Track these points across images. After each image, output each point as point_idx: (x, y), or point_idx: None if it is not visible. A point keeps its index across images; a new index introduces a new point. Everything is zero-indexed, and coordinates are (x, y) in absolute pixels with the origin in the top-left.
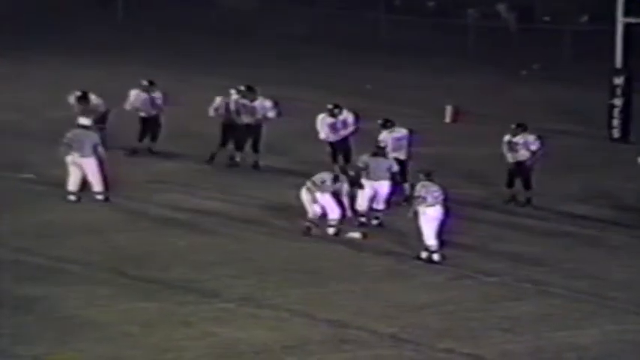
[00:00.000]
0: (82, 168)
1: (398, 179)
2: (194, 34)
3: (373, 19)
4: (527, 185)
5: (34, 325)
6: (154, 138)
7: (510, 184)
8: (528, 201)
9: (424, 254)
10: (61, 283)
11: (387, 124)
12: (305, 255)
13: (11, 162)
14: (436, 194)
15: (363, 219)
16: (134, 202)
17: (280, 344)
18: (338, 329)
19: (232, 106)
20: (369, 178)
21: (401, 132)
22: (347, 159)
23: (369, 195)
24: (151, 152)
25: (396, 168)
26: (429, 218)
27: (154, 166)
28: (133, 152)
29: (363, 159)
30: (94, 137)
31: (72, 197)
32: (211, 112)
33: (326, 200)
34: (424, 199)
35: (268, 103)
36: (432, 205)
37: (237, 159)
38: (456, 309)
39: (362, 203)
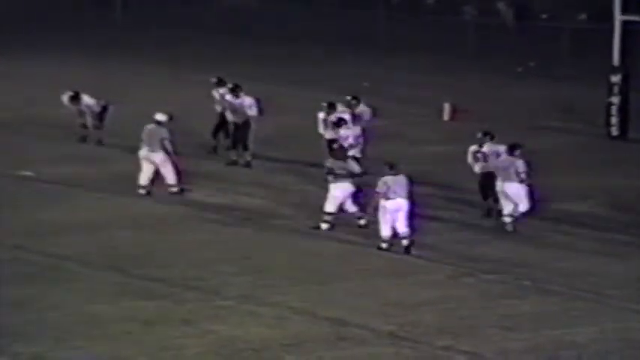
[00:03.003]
0: (154, 162)
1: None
2: (193, 32)
3: (371, 16)
4: (495, 198)
5: (34, 323)
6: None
7: (485, 197)
8: (499, 213)
9: (384, 245)
10: (61, 281)
11: (341, 123)
12: (304, 253)
13: (10, 160)
14: (398, 189)
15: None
16: (132, 199)
17: (279, 342)
18: (337, 327)
19: (218, 107)
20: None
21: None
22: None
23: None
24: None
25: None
26: (389, 211)
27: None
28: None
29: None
30: (162, 132)
31: (141, 191)
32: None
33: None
34: (384, 194)
35: (248, 101)
36: (393, 198)
37: (234, 157)
38: (455, 307)
39: (331, 207)
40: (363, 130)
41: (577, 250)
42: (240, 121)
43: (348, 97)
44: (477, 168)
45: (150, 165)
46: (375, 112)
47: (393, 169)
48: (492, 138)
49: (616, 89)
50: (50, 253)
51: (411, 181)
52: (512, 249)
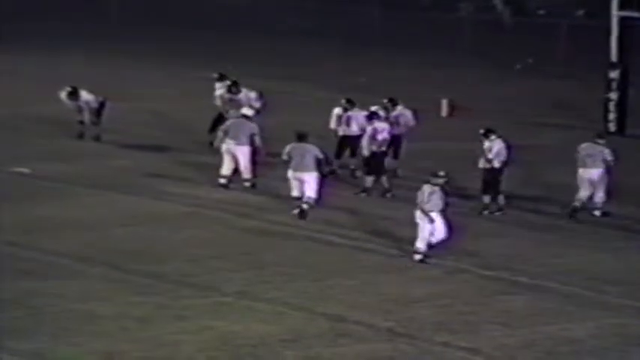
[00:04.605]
0: (236, 155)
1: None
2: (188, 28)
3: (367, 13)
4: (495, 192)
5: (30, 319)
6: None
7: (485, 191)
8: (500, 209)
9: (417, 257)
10: (57, 277)
11: (374, 116)
12: (302, 249)
13: (6, 156)
14: (421, 199)
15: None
16: (129, 196)
17: (277, 338)
18: (335, 323)
19: (218, 102)
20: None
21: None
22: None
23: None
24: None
25: (321, 155)
26: (417, 220)
27: (149, 160)
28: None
29: (286, 149)
30: (252, 127)
31: (222, 180)
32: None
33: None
34: (420, 203)
35: (253, 95)
36: (430, 209)
37: None
38: (452, 303)
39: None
40: (404, 132)
41: (574, 246)
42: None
43: (385, 100)
44: (480, 164)
45: (232, 157)
46: (416, 114)
47: (433, 177)
48: (491, 134)
49: (614, 85)
50: (47, 249)
51: (446, 193)
52: (509, 245)
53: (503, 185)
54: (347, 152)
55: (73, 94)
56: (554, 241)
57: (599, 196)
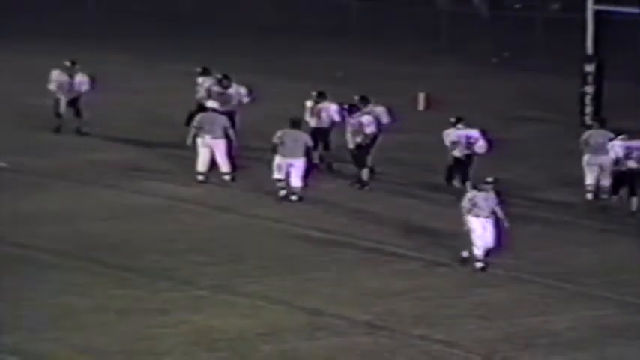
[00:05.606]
0: (212, 149)
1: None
2: (165, 21)
3: (344, 5)
4: (462, 180)
5: (8, 313)
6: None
7: (450, 179)
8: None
9: (479, 264)
10: (35, 271)
11: (354, 109)
12: (280, 242)
13: None
14: (485, 207)
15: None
16: (108, 189)
17: (255, 331)
18: (313, 316)
19: (200, 95)
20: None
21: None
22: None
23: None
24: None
25: (310, 143)
26: (472, 228)
27: (129, 153)
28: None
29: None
30: (224, 120)
31: (200, 177)
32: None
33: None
34: (467, 209)
35: (243, 90)
36: (477, 216)
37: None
38: (431, 296)
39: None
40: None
41: (552, 238)
42: (228, 109)
43: (356, 97)
44: (457, 152)
45: (208, 151)
46: (390, 112)
47: (486, 183)
48: (460, 124)
49: (589, 79)
50: (25, 243)
51: (500, 198)
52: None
53: (470, 176)
54: (320, 145)
55: (71, 68)
56: (532, 233)
57: (606, 182)
